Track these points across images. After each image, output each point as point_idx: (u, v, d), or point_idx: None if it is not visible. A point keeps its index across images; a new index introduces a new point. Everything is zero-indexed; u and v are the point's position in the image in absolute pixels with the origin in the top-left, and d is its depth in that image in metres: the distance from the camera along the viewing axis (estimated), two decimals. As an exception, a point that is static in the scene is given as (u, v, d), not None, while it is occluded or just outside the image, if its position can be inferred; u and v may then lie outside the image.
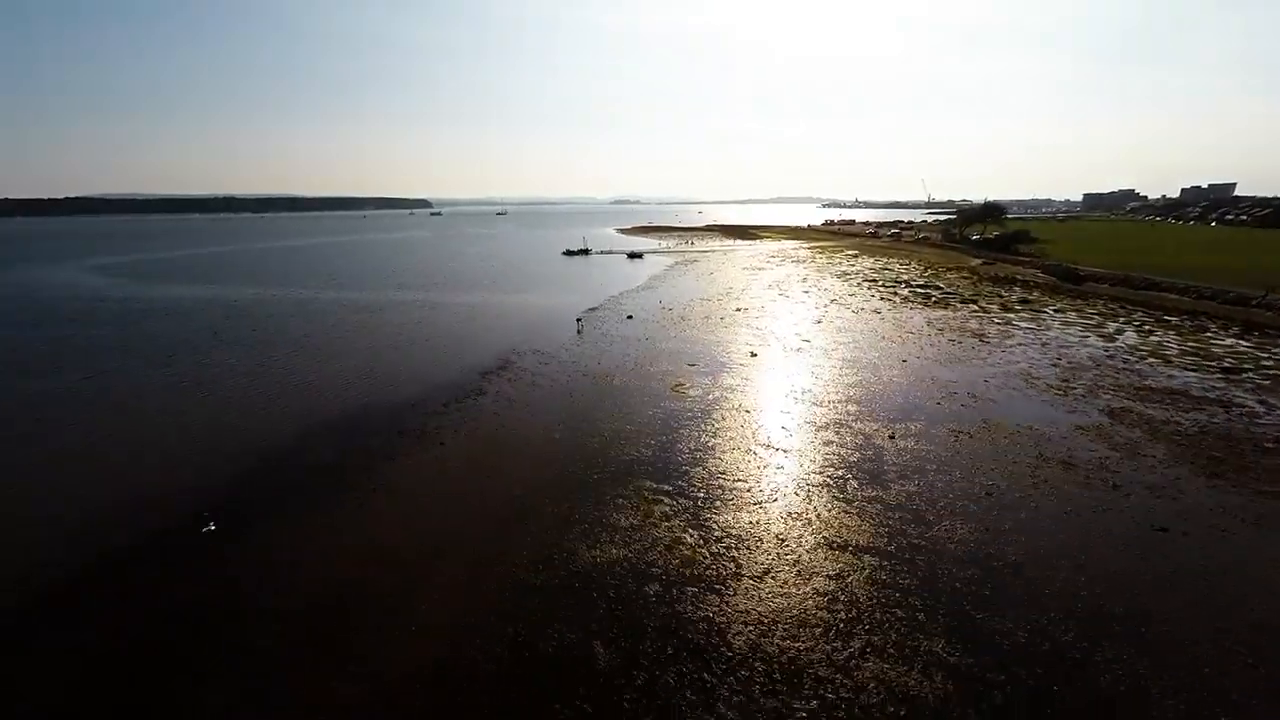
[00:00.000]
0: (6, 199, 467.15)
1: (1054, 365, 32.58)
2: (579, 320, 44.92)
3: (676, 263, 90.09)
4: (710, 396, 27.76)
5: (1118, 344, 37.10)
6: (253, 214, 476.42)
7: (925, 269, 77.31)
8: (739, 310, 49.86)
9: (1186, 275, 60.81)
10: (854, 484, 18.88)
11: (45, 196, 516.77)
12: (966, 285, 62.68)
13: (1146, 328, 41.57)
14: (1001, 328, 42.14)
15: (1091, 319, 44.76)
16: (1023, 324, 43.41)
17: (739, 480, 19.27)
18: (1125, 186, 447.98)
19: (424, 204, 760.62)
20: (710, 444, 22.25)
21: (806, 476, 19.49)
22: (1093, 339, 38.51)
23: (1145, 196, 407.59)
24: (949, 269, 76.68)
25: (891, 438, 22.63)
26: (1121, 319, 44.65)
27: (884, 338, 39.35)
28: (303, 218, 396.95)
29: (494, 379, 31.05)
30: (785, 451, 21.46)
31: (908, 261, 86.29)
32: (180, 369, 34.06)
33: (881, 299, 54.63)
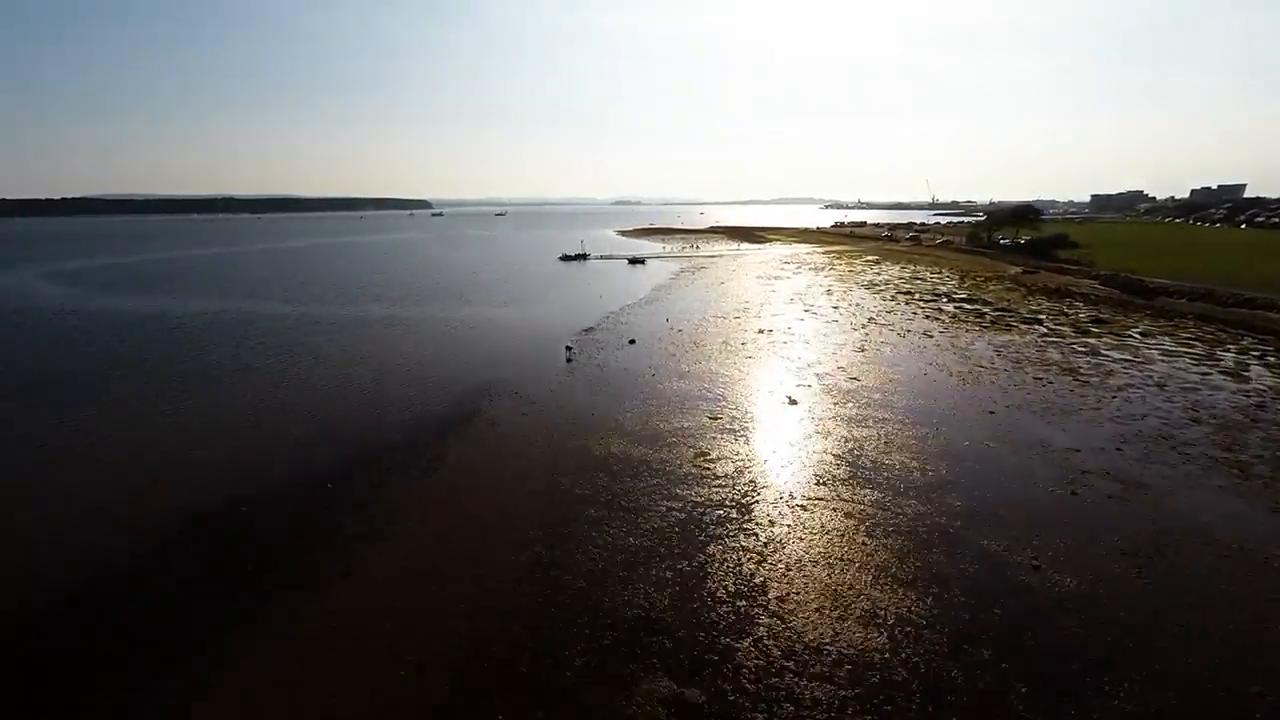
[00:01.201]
0: (5, 199, 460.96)
1: (1192, 420, 24.65)
2: (569, 349, 37.00)
3: (682, 269, 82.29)
4: (746, 476, 19.91)
5: (1255, 385, 29.11)
6: (252, 215, 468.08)
7: (961, 278, 69.33)
8: (762, 333, 41.96)
9: (1267, 287, 52.92)
10: (1020, 692, 10.99)
11: (44, 197, 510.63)
12: (1018, 299, 54.71)
13: (1271, 360, 33.62)
14: (1090, 359, 34.20)
15: (1193, 346, 36.78)
16: (1112, 353, 35.46)
17: (818, 679, 11.38)
18: (1131, 187, 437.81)
19: (424, 204, 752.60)
20: (759, 582, 14.38)
21: (930, 669, 11.59)
22: (1216, 377, 30.53)
23: (1154, 197, 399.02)
24: (987, 278, 68.71)
25: (1036, 567, 14.77)
26: (1230, 346, 36.67)
27: (951, 373, 31.47)
28: (301, 218, 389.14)
29: (452, 444, 23.20)
30: (877, 603, 13.56)
31: (938, 269, 78.34)
32: (36, 420, 26.24)
33: (926, 317, 46.71)
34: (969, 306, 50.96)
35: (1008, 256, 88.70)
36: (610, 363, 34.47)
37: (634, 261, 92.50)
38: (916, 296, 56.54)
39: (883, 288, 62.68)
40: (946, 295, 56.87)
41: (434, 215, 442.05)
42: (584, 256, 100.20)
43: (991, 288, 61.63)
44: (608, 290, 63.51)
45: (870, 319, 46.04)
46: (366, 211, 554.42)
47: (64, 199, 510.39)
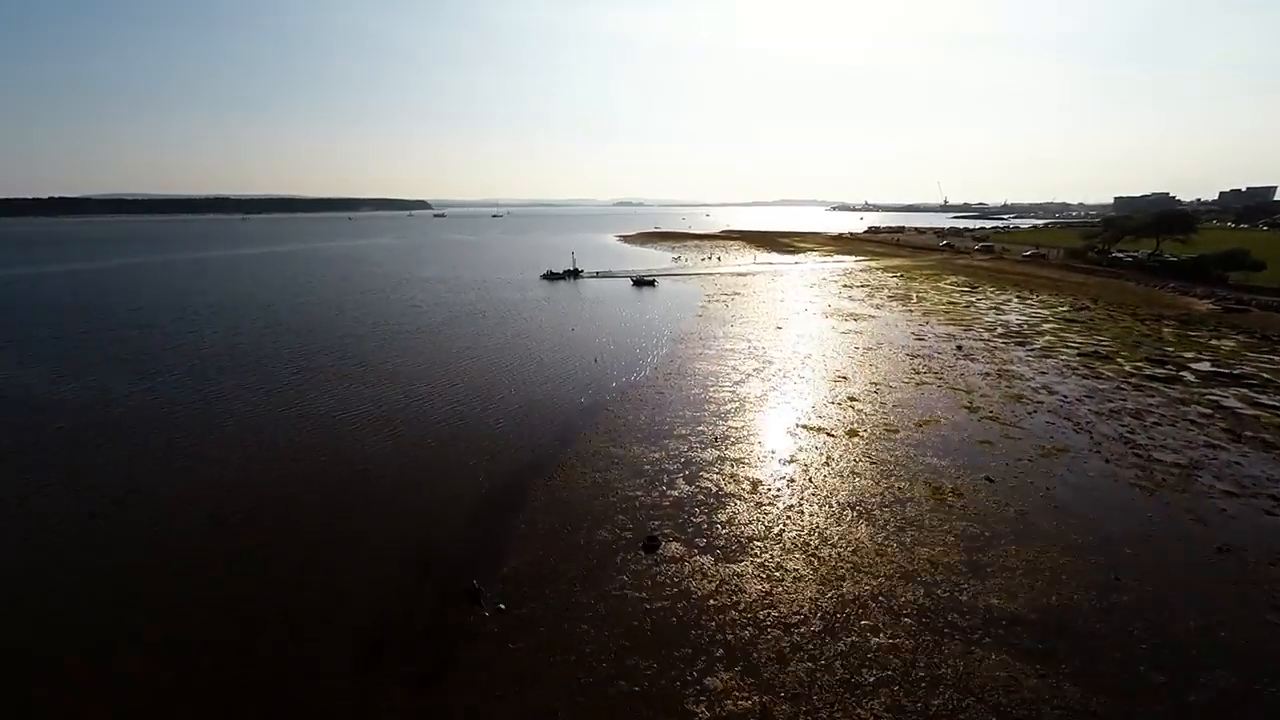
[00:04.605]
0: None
1: None
2: (476, 593, 13.25)
3: (709, 297, 58.88)
4: None
5: None
6: (241, 215, 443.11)
7: (1134, 319, 45.83)
8: (940, 499, 18.47)
9: None
10: None
11: (30, 196, 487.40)
12: (1316, 376, 31.15)
13: None
14: None
15: None
16: None
17: None
18: (1153, 189, 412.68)
19: (424, 205, 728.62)
20: None
21: None
22: None
23: (1179, 200, 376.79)
24: (1179, 321, 45.14)
25: None
26: None
27: None
28: (287, 220, 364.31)
29: None
30: None
31: (1077, 301, 54.69)
32: None
33: (1244, 441, 23.25)
34: (1268, 403, 27.45)
35: (1159, 281, 64.68)
36: (593, 691, 11.07)
37: (640, 283, 68.90)
38: (1132, 367, 33.02)
39: (1037, 342, 39.18)
40: (1182, 365, 33.33)
41: (435, 216, 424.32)
42: (575, 274, 76.88)
43: (1224, 346, 38.01)
44: (603, 343, 40.16)
45: (1134, 449, 22.43)
46: (357, 213, 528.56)
47: (52, 198, 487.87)
